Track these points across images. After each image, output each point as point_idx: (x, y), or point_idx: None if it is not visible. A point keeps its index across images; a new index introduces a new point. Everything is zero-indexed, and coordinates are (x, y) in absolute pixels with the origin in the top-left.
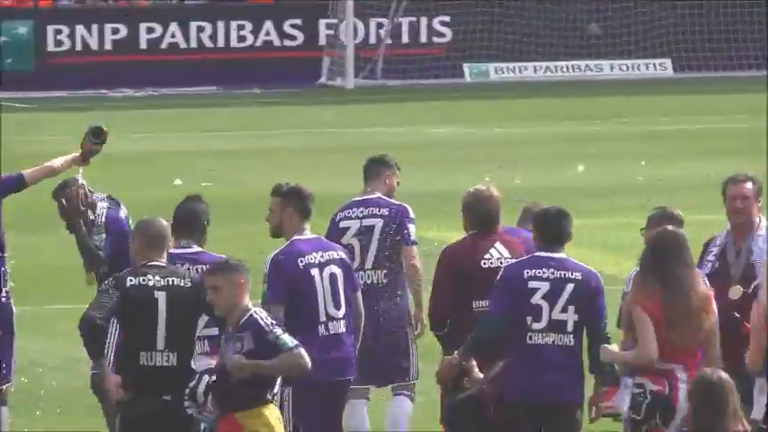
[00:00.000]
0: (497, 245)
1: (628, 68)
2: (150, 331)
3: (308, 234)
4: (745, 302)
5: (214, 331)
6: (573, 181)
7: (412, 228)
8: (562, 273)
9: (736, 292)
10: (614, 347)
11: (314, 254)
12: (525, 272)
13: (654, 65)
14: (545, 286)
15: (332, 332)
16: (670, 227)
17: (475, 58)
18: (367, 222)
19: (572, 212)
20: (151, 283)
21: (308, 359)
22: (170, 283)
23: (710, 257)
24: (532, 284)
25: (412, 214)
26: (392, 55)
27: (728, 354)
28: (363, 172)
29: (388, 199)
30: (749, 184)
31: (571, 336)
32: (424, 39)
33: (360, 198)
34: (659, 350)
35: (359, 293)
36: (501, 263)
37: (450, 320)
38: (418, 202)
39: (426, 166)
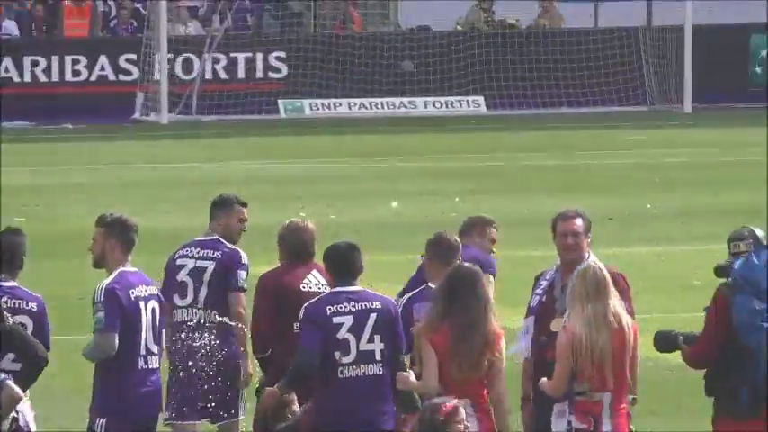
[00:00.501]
0: (314, 272)
1: (441, 105)
2: None
3: (130, 266)
4: None
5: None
6: (387, 217)
7: (241, 274)
8: (363, 304)
9: (557, 324)
10: (410, 375)
11: (141, 286)
12: (327, 308)
13: (467, 102)
14: (349, 319)
15: (149, 366)
16: (465, 263)
17: (290, 94)
18: (200, 264)
19: (386, 248)
20: None
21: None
22: None
23: (538, 291)
24: (337, 320)
25: (244, 260)
26: (206, 91)
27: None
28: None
29: (224, 243)
30: (579, 221)
31: (380, 365)
32: (239, 74)
33: (199, 239)
34: (444, 383)
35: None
36: (319, 288)
37: (273, 344)
38: None
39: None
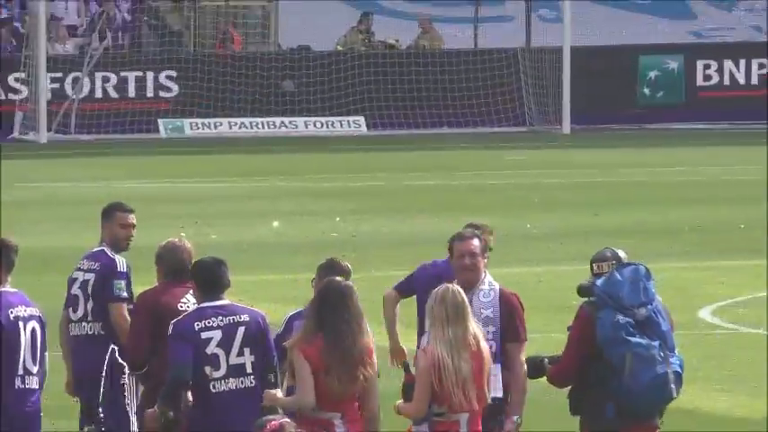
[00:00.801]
0: (192, 292)
1: (322, 125)
2: None
3: (9, 287)
4: None
5: None
6: (268, 237)
7: (118, 283)
8: (231, 318)
9: None
10: (277, 392)
11: (20, 307)
12: (195, 324)
13: (348, 122)
14: (218, 334)
15: (27, 386)
16: (338, 278)
17: (170, 114)
18: (86, 276)
19: (268, 267)
20: None
21: None
22: None
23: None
24: (205, 335)
25: (121, 268)
26: (85, 110)
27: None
28: None
29: (107, 253)
30: (476, 241)
31: (252, 377)
32: (117, 94)
33: (89, 251)
34: (318, 398)
35: (46, 354)
36: None
37: (149, 359)
38: None
39: None
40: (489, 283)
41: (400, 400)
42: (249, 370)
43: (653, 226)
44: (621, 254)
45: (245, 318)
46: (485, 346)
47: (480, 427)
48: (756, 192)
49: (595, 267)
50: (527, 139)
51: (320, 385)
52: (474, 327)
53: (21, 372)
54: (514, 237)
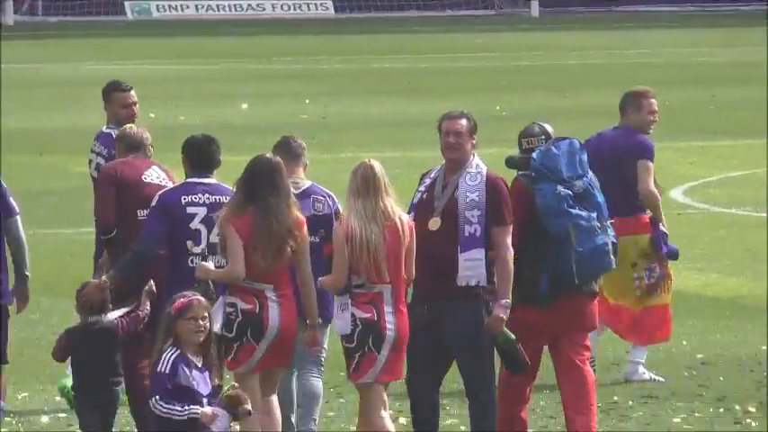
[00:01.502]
0: (154, 167)
1: (290, 8)
2: None
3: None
4: (442, 234)
5: None
6: (236, 118)
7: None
8: (217, 197)
9: (434, 223)
10: (210, 264)
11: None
12: (182, 198)
13: (315, 5)
14: (202, 211)
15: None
16: (268, 154)
17: None
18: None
19: (236, 149)
20: None
21: None
22: None
23: (421, 188)
24: (190, 210)
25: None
26: None
27: (421, 279)
28: None
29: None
30: (463, 121)
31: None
32: None
33: (99, 132)
34: (248, 270)
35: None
36: (161, 182)
37: (116, 228)
38: (74, 137)
39: (83, 102)
40: (477, 165)
41: (322, 277)
42: None
43: None
44: (549, 128)
45: (229, 197)
46: (402, 220)
47: (404, 305)
48: (726, 73)
49: (525, 143)
50: (496, 22)
51: (250, 259)
52: (390, 202)
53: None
54: (484, 119)
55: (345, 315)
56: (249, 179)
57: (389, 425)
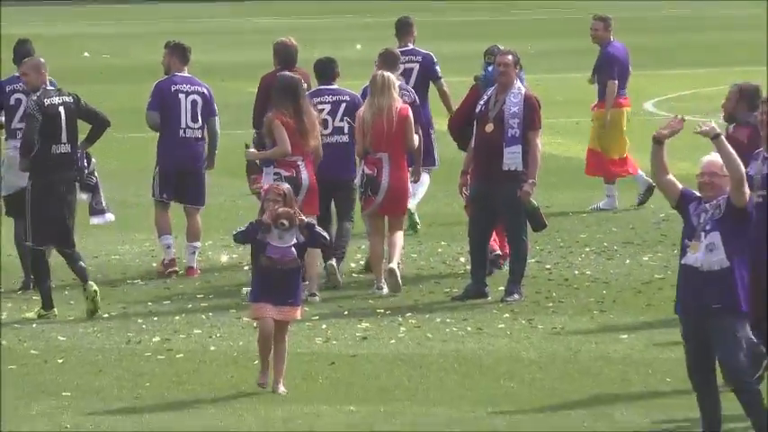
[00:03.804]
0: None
1: None
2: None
3: (183, 73)
4: (494, 134)
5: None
6: (353, 55)
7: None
8: (338, 97)
9: (489, 127)
10: (253, 151)
11: (184, 84)
12: (314, 99)
13: None
14: (328, 106)
15: (187, 136)
16: (287, 73)
17: None
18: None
19: (351, 77)
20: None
21: None
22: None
23: (481, 102)
24: (320, 106)
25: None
26: None
27: (479, 165)
28: None
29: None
30: (509, 56)
31: (347, 136)
32: None
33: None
34: (292, 147)
35: (216, 118)
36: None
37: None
38: None
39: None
40: (519, 87)
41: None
42: (346, 131)
43: None
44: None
45: (346, 97)
46: (402, 114)
47: (404, 167)
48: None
49: (487, 58)
50: None
51: (291, 142)
52: (387, 98)
53: (183, 126)
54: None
55: (359, 171)
56: (286, 91)
57: (381, 248)
